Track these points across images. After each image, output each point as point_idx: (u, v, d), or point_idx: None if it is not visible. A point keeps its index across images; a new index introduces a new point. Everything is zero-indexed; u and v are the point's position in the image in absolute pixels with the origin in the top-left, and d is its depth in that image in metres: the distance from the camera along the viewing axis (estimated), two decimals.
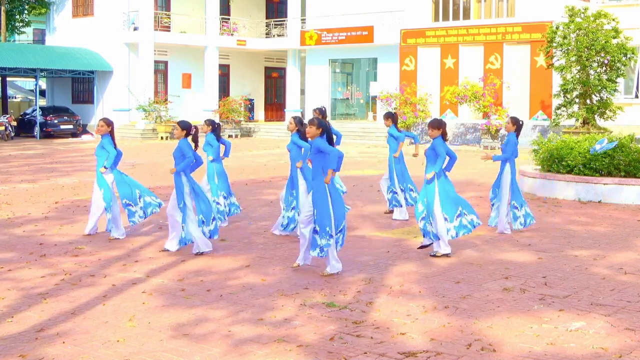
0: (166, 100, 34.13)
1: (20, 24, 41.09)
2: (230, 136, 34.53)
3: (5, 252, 9.45)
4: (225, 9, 37.84)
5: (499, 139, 27.54)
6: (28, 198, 14.53)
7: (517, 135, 10.87)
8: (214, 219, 9.38)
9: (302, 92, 37.37)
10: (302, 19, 36.63)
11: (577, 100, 24.83)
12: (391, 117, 12.16)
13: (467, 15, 30.86)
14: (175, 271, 8.47)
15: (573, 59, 24.26)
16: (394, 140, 11.97)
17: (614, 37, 23.98)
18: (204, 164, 11.32)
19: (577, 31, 24.33)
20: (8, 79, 39.26)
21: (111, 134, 10.42)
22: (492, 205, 10.90)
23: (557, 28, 24.99)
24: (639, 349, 5.83)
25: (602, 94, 24.52)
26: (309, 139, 8.41)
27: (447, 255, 9.14)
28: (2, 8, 36.88)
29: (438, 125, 9.25)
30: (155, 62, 34.64)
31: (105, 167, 10.23)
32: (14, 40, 46.61)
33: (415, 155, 12.28)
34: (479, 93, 28.55)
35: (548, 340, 6.01)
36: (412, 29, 31.71)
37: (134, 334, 6.19)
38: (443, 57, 31.14)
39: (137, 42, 33.75)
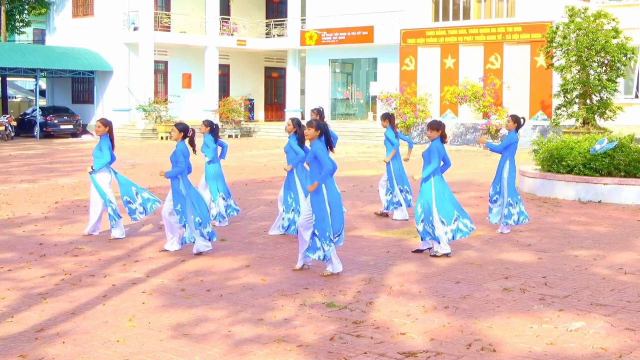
0: (166, 100, 34.13)
1: (20, 24, 41.09)
2: (230, 136, 34.56)
3: (5, 252, 9.45)
4: (225, 9, 37.85)
5: (499, 139, 27.54)
6: (28, 198, 14.53)
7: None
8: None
9: (302, 92, 37.38)
10: (302, 19, 36.63)
11: (577, 100, 24.83)
12: (388, 118, 12.13)
13: (467, 15, 30.86)
14: (175, 271, 8.47)
15: (573, 59, 24.26)
16: (390, 144, 11.99)
17: (614, 37, 23.98)
18: (202, 165, 11.34)
19: (577, 31, 24.33)
20: (8, 79, 39.26)
21: (110, 134, 10.40)
22: (495, 202, 10.86)
23: (557, 28, 24.99)
24: (639, 349, 5.83)
25: (602, 94, 24.52)
26: (309, 141, 8.40)
27: (447, 255, 9.14)
28: (2, 8, 36.89)
29: (437, 126, 9.21)
30: (155, 62, 34.65)
31: (92, 169, 10.25)
32: (14, 40, 46.62)
33: (406, 160, 12.23)
34: (479, 93, 28.56)
35: (548, 340, 6.01)
36: (412, 29, 31.71)
37: (134, 334, 6.19)
38: (443, 57, 31.14)
39: (137, 42, 33.75)
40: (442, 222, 9.06)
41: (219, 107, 35.17)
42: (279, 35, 38.50)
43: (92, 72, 34.72)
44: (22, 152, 26.66)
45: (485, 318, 6.62)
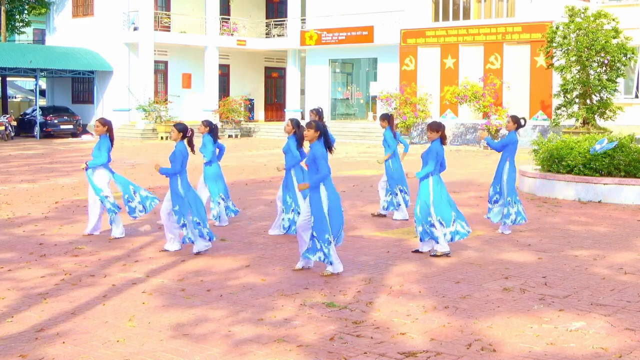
0: (166, 100, 34.13)
1: (20, 24, 41.09)
2: (230, 136, 34.56)
3: (5, 252, 9.45)
4: (225, 9, 37.85)
5: (499, 139, 27.51)
6: (28, 198, 14.53)
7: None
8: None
9: (302, 92, 37.37)
10: (302, 19, 36.63)
11: (577, 100, 24.83)
12: (387, 119, 12.10)
13: (467, 15, 30.86)
14: (175, 271, 8.47)
15: (573, 59, 24.26)
16: (388, 146, 12.00)
17: (614, 37, 23.98)
18: (201, 165, 11.32)
19: (577, 31, 24.33)
20: (8, 79, 39.27)
21: (109, 133, 10.39)
22: (495, 202, 10.83)
23: (557, 28, 24.99)
24: (639, 349, 5.83)
25: (602, 94, 24.52)
26: (308, 142, 8.40)
27: (446, 254, 9.14)
28: (2, 8, 36.89)
29: (437, 128, 9.20)
30: (155, 62, 34.65)
31: (87, 166, 10.27)
32: (14, 40, 46.62)
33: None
34: (479, 93, 28.55)
35: (548, 340, 6.01)
36: (412, 29, 31.71)
37: (134, 334, 6.19)
38: (443, 57, 31.14)
39: (137, 42, 33.75)
40: (442, 224, 9.06)
41: (219, 107, 35.16)
42: (279, 35, 38.50)
43: (92, 72, 34.72)
44: (22, 152, 26.66)
45: (485, 318, 6.62)
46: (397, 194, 11.93)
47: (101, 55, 34.99)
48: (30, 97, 42.97)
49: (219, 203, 11.20)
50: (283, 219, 10.42)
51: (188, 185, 9.29)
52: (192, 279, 8.10)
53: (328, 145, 8.28)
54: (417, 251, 9.42)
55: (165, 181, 9.89)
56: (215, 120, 34.10)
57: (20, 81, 47.96)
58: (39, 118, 33.67)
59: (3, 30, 37.42)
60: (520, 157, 15.43)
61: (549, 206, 13.39)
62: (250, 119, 38.14)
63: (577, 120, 25.05)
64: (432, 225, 9.05)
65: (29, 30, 47.35)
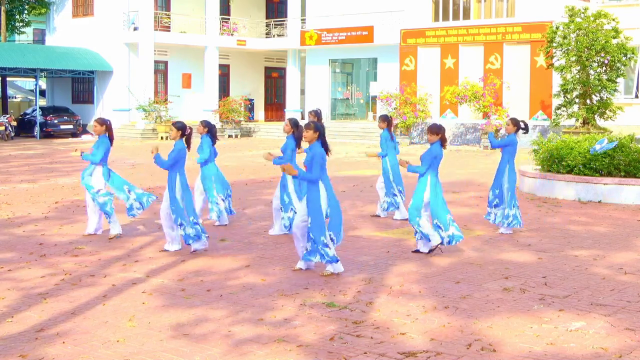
0: (166, 100, 34.13)
1: (20, 24, 41.10)
2: (230, 136, 34.56)
3: (5, 252, 9.45)
4: (225, 9, 37.85)
5: (499, 139, 27.49)
6: (28, 198, 14.53)
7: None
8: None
9: (302, 92, 37.38)
10: (302, 19, 36.63)
11: (577, 100, 24.82)
12: (386, 120, 12.09)
13: (467, 15, 30.85)
14: (175, 271, 8.47)
15: (573, 59, 24.26)
16: (381, 147, 12.02)
17: (614, 37, 23.97)
18: (198, 166, 11.32)
19: (577, 31, 24.32)
20: (8, 79, 39.26)
21: (109, 133, 10.38)
22: (496, 206, 10.78)
23: (557, 28, 24.99)
24: (639, 349, 5.83)
25: (602, 94, 24.51)
26: (307, 144, 8.41)
27: (440, 244, 9.13)
28: (2, 8, 36.89)
29: (437, 130, 9.20)
30: (155, 62, 34.65)
31: (81, 153, 10.31)
32: (14, 40, 46.61)
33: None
34: (479, 93, 28.55)
35: (548, 340, 6.01)
36: (412, 29, 31.70)
37: (134, 334, 6.19)
38: (443, 57, 31.14)
39: (137, 42, 33.75)
40: (439, 227, 9.09)
41: (219, 107, 35.16)
42: (279, 35, 38.50)
43: (92, 72, 34.72)
44: (22, 152, 26.66)
45: (485, 318, 6.62)
46: (396, 195, 11.93)
47: (101, 55, 35.00)
48: (30, 97, 42.97)
49: (218, 203, 11.19)
50: (283, 218, 10.43)
51: (186, 186, 9.31)
52: (192, 279, 8.11)
53: (325, 145, 8.29)
54: (417, 251, 9.43)
55: (164, 181, 9.87)
56: (215, 120, 34.12)
57: (20, 81, 47.96)
58: (39, 118, 33.68)
59: (3, 30, 37.42)
60: (520, 157, 15.44)
61: (549, 206, 13.39)
62: (250, 119, 38.14)
63: (577, 120, 25.04)
64: (425, 221, 9.12)
65: (29, 30, 47.36)
